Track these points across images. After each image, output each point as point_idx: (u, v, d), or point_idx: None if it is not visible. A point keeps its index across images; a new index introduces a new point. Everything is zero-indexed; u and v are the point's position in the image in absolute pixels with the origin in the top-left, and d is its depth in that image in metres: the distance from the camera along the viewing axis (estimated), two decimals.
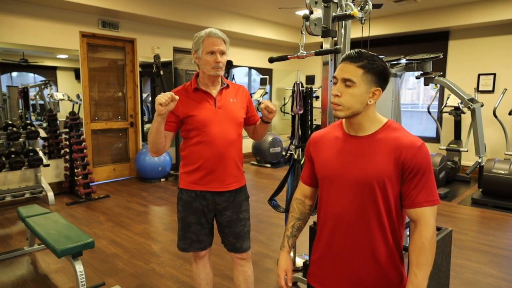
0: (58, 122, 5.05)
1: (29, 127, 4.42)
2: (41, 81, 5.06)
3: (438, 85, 5.21)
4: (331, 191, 1.24)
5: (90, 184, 4.82)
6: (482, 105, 4.34)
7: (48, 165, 4.60)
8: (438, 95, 6.39)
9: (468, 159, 6.11)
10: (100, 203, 4.66)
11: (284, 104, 8.32)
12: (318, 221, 1.31)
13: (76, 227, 2.62)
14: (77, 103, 5.34)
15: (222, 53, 1.79)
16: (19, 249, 3.22)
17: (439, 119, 6.46)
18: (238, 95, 1.94)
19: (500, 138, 5.82)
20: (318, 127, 2.06)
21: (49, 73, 5.09)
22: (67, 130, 4.95)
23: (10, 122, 4.37)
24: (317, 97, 7.31)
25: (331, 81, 2.10)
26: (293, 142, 2.85)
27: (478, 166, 4.48)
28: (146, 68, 6.01)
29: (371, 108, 1.19)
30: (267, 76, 7.37)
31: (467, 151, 5.59)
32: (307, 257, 2.96)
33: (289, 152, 2.84)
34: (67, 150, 4.99)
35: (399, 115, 3.04)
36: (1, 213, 4.28)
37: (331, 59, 2.10)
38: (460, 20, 5.85)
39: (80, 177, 4.81)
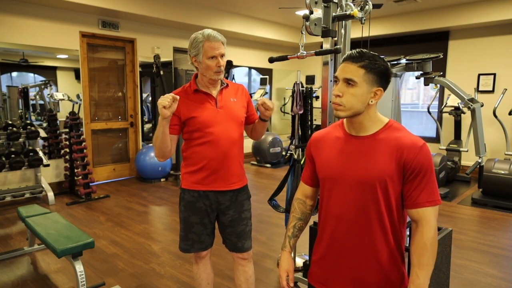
0: (58, 122, 5.05)
1: (29, 127, 4.42)
2: (41, 81, 5.06)
3: (438, 85, 5.21)
4: (332, 191, 1.24)
5: (90, 184, 4.82)
6: (482, 105, 4.34)
7: (48, 165, 4.60)
8: (438, 95, 6.39)
9: (468, 159, 6.11)
10: (100, 203, 4.66)
11: (284, 104, 8.32)
12: (319, 222, 1.31)
13: (76, 227, 2.62)
14: (77, 103, 5.34)
15: (223, 55, 1.79)
16: (19, 249, 3.22)
17: (439, 119, 6.46)
18: (238, 94, 1.94)
19: (500, 138, 5.82)
20: (318, 127, 2.06)
21: (49, 73, 5.09)
22: (67, 130, 4.95)
23: (10, 122, 4.37)
24: (317, 97, 7.30)
25: (331, 81, 2.10)
26: (293, 142, 2.85)
27: (478, 166, 4.48)
28: (146, 68, 6.01)
29: (372, 108, 1.19)
30: (267, 76, 7.37)
31: (467, 151, 5.59)
32: (307, 257, 2.96)
33: (289, 152, 2.84)
34: (67, 150, 4.99)
35: (399, 115, 3.04)
36: (1, 213, 4.28)
37: (331, 59, 2.10)
38: (460, 20, 5.85)
39: (80, 177, 4.81)
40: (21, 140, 4.37)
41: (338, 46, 1.99)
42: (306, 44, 2.06)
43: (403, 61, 3.23)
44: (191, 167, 1.88)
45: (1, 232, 3.70)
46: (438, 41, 6.48)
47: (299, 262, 2.94)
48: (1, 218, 4.12)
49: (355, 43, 1.96)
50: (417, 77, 3.61)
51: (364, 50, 1.17)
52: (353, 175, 1.18)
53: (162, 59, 5.86)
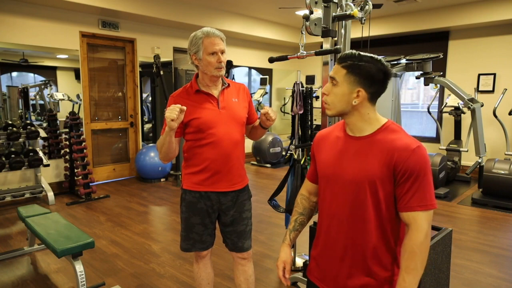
0: (58, 122, 5.05)
1: (29, 127, 4.42)
2: (41, 81, 5.06)
3: (438, 85, 5.21)
4: (327, 190, 1.26)
5: (90, 184, 4.82)
6: (482, 105, 4.35)
7: (48, 165, 4.60)
8: (438, 95, 6.39)
9: (468, 159, 6.11)
10: (100, 203, 4.66)
11: (284, 104, 8.32)
12: (318, 219, 1.34)
13: (76, 227, 2.62)
14: (77, 103, 5.34)
15: (223, 52, 1.79)
16: (19, 249, 3.22)
17: (439, 119, 6.46)
18: (240, 94, 1.93)
19: (500, 138, 5.82)
20: (318, 127, 2.07)
21: (49, 73, 5.09)
22: (67, 130, 4.95)
23: (10, 122, 4.37)
24: (317, 97, 7.30)
25: None
26: (293, 142, 2.85)
27: (478, 166, 4.49)
28: (146, 68, 6.01)
29: (364, 109, 1.19)
30: (267, 76, 7.37)
31: (467, 151, 5.59)
32: (307, 257, 2.96)
33: (289, 152, 2.83)
34: (67, 150, 4.99)
35: (399, 115, 3.05)
36: (1, 213, 4.28)
37: (331, 59, 2.10)
38: (460, 20, 5.85)
39: (80, 177, 4.81)
40: (21, 140, 4.36)
41: (338, 46, 1.99)
42: (306, 44, 2.06)
43: (403, 61, 3.24)
44: (192, 168, 1.88)
45: (1, 232, 3.70)
46: (438, 41, 6.48)
47: (299, 262, 2.94)
48: (1, 218, 4.12)
49: (355, 43, 1.96)
50: (417, 77, 3.62)
51: (357, 52, 1.18)
52: (346, 175, 1.19)
53: (162, 59, 5.85)
